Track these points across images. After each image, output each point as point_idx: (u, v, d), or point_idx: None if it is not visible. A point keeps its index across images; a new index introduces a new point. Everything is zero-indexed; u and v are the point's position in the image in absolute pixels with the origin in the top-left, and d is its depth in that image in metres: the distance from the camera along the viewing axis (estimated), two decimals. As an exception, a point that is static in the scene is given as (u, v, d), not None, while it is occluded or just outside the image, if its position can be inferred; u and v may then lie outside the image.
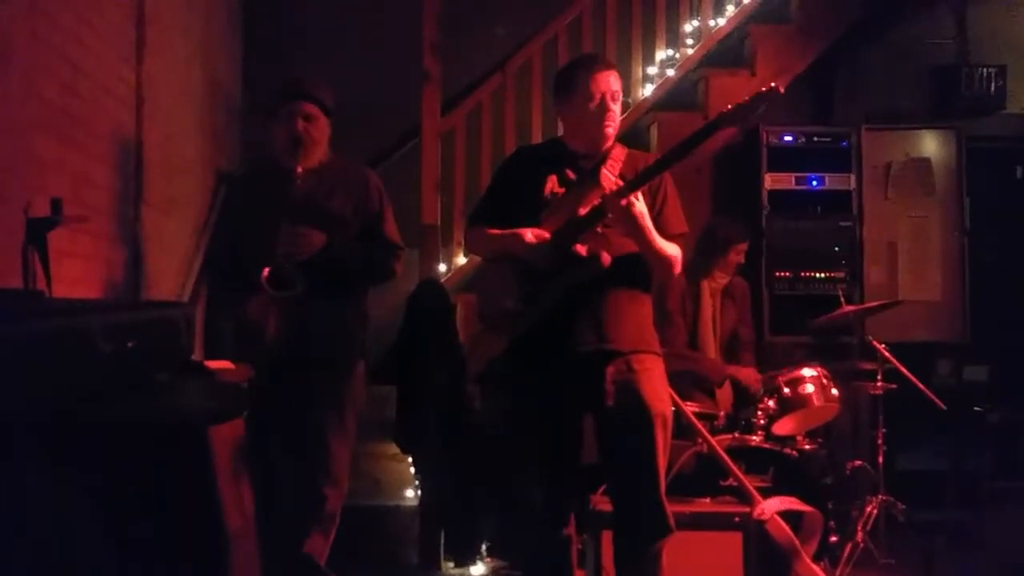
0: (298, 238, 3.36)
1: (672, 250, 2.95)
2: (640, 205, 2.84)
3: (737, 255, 4.57)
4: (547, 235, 2.93)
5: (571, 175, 3.02)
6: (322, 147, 3.49)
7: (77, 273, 3.19)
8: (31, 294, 2.49)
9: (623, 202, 2.80)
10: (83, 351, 1.83)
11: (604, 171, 2.97)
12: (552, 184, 3.01)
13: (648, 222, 2.86)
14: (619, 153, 3.05)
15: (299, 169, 3.42)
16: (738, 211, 5.07)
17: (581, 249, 2.89)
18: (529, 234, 2.93)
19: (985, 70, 5.92)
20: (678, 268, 3.01)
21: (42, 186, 2.89)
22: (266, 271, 3.28)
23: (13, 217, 2.66)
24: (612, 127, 3.03)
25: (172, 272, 4.24)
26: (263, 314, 3.34)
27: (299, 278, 3.29)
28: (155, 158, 4.01)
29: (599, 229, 2.91)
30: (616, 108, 3.03)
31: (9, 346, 1.63)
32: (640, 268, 3.00)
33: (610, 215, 2.85)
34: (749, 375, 4.36)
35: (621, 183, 2.91)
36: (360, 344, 3.57)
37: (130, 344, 1.97)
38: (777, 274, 5.46)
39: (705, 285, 4.57)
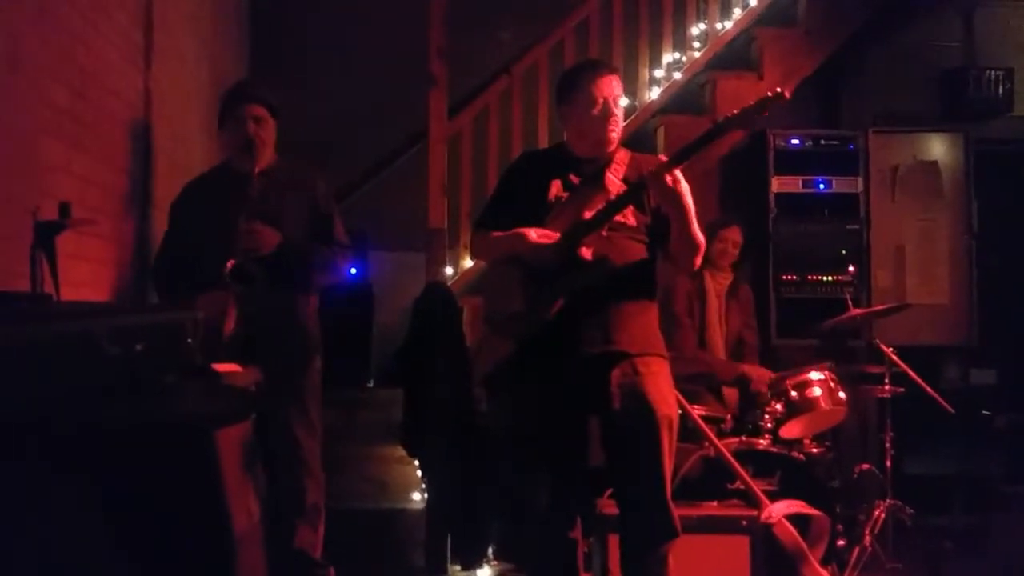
0: (256, 235, 3.40)
1: (701, 236, 2.96)
2: (684, 183, 2.84)
3: (723, 243, 4.55)
4: (551, 233, 2.93)
5: (575, 179, 3.02)
6: (270, 148, 3.55)
7: (85, 276, 3.20)
8: (39, 297, 2.50)
9: (669, 178, 2.80)
10: (90, 354, 1.83)
11: (609, 175, 2.98)
12: (556, 188, 3.02)
13: (690, 200, 2.86)
14: (623, 156, 3.06)
15: (255, 171, 3.45)
16: (745, 214, 5.07)
17: (586, 252, 2.90)
18: (533, 232, 2.94)
19: (993, 72, 5.91)
20: (699, 260, 3.02)
21: (50, 189, 2.90)
22: (229, 264, 3.32)
23: (21, 220, 2.67)
24: (616, 132, 3.04)
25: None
26: (219, 312, 3.37)
27: (260, 273, 3.35)
28: (163, 161, 4.02)
29: (604, 232, 2.91)
30: (619, 112, 3.04)
31: (17, 349, 1.64)
32: (645, 273, 3.01)
33: (653, 189, 2.85)
34: (760, 373, 4.36)
35: (625, 187, 2.91)
36: (315, 339, 3.61)
37: (137, 347, 1.98)
38: (784, 277, 5.46)
39: (710, 285, 4.56)
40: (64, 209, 2.73)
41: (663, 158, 3.00)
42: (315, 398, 3.57)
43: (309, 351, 3.58)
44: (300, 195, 3.56)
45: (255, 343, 3.35)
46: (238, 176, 3.47)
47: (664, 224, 2.95)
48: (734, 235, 4.57)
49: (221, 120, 3.59)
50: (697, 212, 2.95)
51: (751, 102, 2.83)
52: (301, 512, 3.49)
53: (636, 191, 2.92)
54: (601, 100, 3.00)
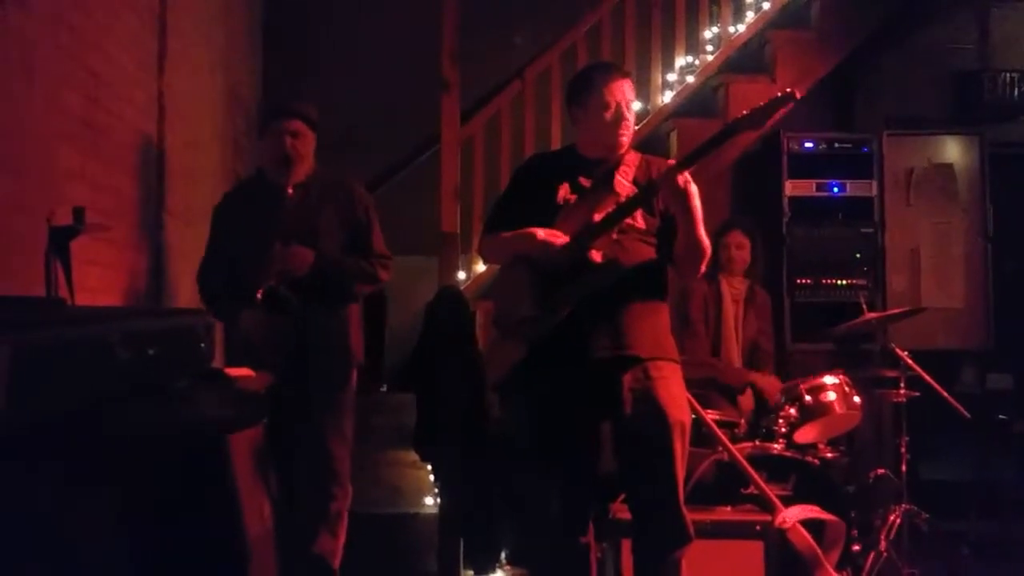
0: (290, 257, 3.44)
1: (707, 241, 2.95)
2: (694, 186, 2.83)
3: (726, 249, 4.51)
4: (559, 233, 2.93)
5: (584, 182, 3.02)
6: (308, 161, 3.58)
7: (99, 281, 3.21)
8: (53, 302, 2.51)
9: (681, 179, 2.79)
10: (103, 359, 1.84)
11: (618, 177, 2.97)
12: (565, 191, 3.02)
13: (698, 202, 2.85)
14: (633, 159, 3.05)
15: (289, 188, 3.50)
16: (759, 217, 5.04)
17: (596, 255, 2.89)
18: (541, 231, 2.93)
19: (1008, 75, 5.88)
20: (705, 264, 3.01)
21: (65, 195, 2.92)
22: (260, 293, 3.36)
23: (36, 226, 2.68)
24: (626, 136, 3.04)
25: (193, 280, 4.26)
26: (256, 328, 3.39)
27: (292, 299, 3.38)
28: (176, 167, 4.04)
29: (614, 235, 2.91)
30: (630, 117, 3.03)
31: (31, 353, 1.64)
32: (656, 275, 3.00)
33: (664, 190, 2.84)
34: (770, 383, 4.33)
35: (635, 189, 2.91)
36: (355, 353, 3.64)
37: (150, 352, 1.99)
38: (799, 281, 5.44)
39: (726, 291, 4.54)
40: (78, 214, 2.75)
41: (672, 162, 2.99)
42: (351, 411, 3.61)
43: (347, 366, 3.61)
44: (337, 206, 3.58)
45: (294, 360, 3.40)
46: (274, 189, 3.52)
47: (672, 228, 2.94)
48: (735, 238, 4.53)
49: (260, 132, 3.65)
50: (709, 216, 2.94)
51: (761, 102, 2.82)
52: (324, 518, 3.52)
53: (646, 193, 2.91)
54: (614, 104, 2.99)
